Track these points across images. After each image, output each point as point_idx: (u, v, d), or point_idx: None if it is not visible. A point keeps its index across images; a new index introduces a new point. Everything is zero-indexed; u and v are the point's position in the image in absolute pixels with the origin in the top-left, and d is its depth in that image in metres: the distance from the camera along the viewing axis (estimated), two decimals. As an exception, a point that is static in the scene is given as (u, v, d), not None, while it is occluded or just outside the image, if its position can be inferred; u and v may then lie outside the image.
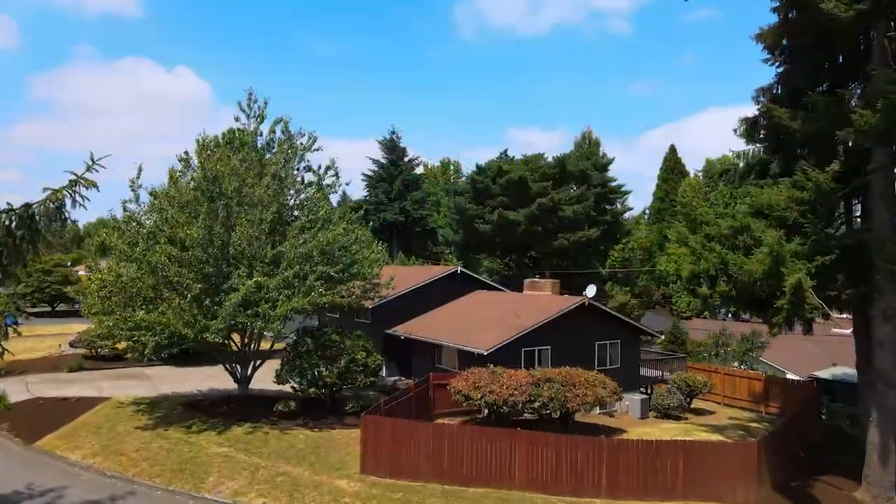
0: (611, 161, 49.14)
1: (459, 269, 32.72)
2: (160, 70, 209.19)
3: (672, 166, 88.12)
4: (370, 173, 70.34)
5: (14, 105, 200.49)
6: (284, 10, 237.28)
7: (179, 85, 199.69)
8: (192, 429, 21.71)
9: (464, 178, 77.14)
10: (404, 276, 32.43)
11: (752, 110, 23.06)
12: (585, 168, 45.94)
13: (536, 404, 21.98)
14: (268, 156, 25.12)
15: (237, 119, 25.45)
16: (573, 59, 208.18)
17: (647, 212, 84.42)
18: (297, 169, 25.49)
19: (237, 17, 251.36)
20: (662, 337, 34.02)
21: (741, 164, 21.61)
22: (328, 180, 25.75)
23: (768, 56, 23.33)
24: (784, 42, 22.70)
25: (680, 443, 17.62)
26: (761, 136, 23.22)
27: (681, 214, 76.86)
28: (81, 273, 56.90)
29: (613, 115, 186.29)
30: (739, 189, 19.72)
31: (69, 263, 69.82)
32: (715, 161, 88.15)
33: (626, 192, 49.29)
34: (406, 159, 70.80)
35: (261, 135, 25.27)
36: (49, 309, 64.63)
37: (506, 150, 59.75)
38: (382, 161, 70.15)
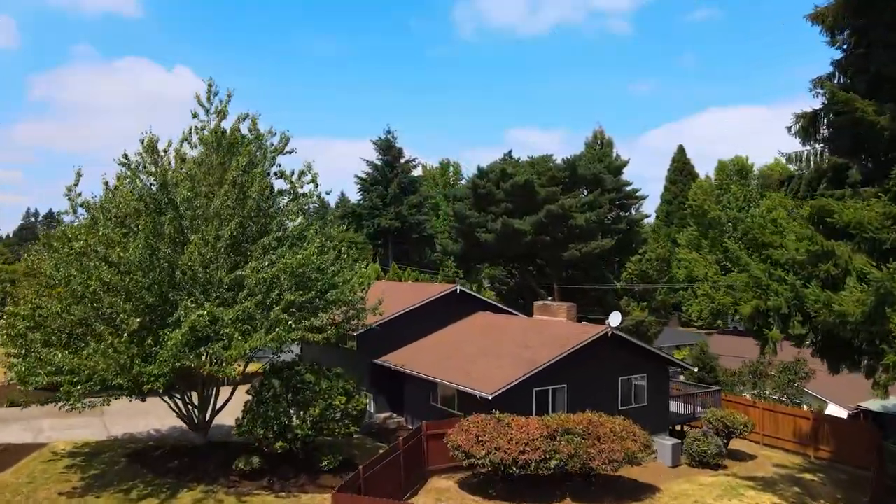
0: (625, 163, 44.79)
1: (459, 288, 28.59)
2: (160, 70, 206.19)
3: (680, 168, 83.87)
4: (364, 175, 65.73)
5: (14, 105, 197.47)
6: (284, 10, 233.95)
7: (179, 85, 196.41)
8: (131, 495, 17.66)
9: (464, 182, 73.03)
10: (397, 295, 28.38)
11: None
12: (598, 171, 41.76)
13: (553, 462, 18.03)
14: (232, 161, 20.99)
15: (195, 115, 21.38)
16: (573, 59, 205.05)
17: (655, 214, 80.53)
18: (267, 174, 21.41)
19: (237, 17, 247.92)
20: (696, 369, 29.88)
21: (809, 167, 17.54)
22: (304, 188, 21.74)
23: (828, 38, 19.74)
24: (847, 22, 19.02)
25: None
26: (823, 134, 19.42)
27: (690, 217, 72.90)
28: None
29: (613, 116, 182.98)
30: (812, 201, 15.55)
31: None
32: (728, 162, 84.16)
33: (643, 197, 45.10)
34: (403, 160, 66.04)
35: (223, 133, 21.12)
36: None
37: (510, 152, 55.67)
38: (377, 162, 65.38)
